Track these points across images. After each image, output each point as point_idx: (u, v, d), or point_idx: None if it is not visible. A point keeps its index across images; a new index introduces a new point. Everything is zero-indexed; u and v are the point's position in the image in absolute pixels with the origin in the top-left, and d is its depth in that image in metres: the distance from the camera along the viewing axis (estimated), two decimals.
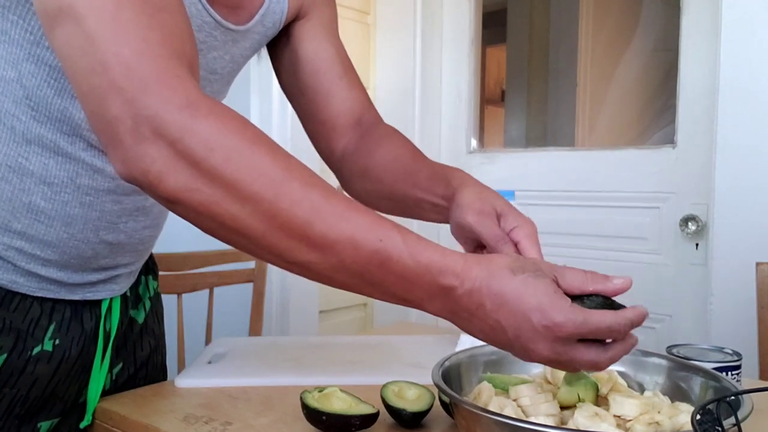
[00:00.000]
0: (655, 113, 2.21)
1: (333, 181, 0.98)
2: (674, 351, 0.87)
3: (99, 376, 0.84)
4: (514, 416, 0.60)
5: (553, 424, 0.61)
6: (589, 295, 0.58)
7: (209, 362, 0.98)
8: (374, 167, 0.88)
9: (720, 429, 0.52)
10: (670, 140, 1.85)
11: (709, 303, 1.65)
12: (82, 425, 0.83)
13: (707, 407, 0.55)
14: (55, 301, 0.79)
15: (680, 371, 0.74)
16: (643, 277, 1.85)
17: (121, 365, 0.89)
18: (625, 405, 0.62)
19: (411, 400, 0.75)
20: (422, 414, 0.73)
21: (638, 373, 0.76)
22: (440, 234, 2.18)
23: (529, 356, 0.57)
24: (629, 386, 0.73)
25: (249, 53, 0.85)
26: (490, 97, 3.17)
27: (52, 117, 0.69)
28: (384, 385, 0.76)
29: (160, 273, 1.03)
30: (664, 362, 0.76)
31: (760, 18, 1.55)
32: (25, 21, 0.65)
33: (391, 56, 2.33)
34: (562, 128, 2.76)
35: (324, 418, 0.70)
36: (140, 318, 0.93)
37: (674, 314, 1.82)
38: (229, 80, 0.86)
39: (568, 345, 0.55)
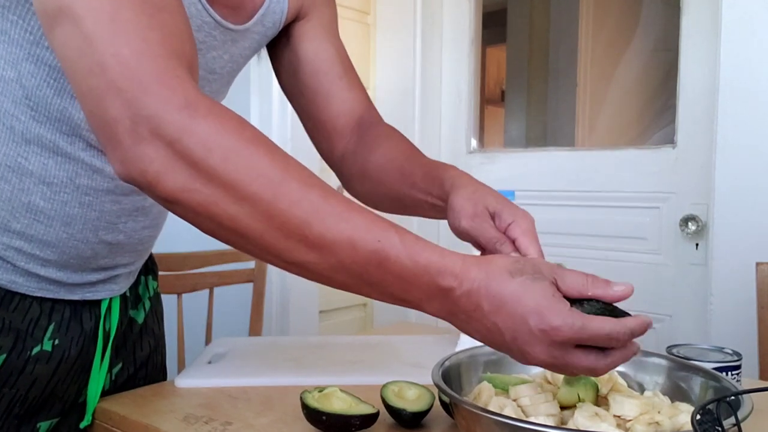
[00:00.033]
0: (655, 113, 2.21)
1: (334, 180, 0.98)
2: (674, 351, 0.87)
3: (98, 376, 0.84)
4: (514, 416, 0.60)
5: (553, 424, 0.61)
6: (590, 300, 0.57)
7: (209, 362, 0.98)
8: (373, 168, 0.88)
9: (720, 429, 0.52)
10: (670, 140, 1.85)
11: (709, 303, 1.65)
12: (81, 425, 0.83)
13: (707, 407, 0.55)
14: (55, 301, 0.79)
15: (680, 371, 0.74)
16: (643, 277, 1.85)
17: (120, 365, 0.89)
18: (625, 405, 0.62)
19: (411, 400, 0.75)
20: (422, 414, 0.73)
21: (638, 373, 0.76)
22: (440, 234, 2.18)
23: (526, 359, 0.57)
24: (629, 386, 0.73)
25: (249, 53, 0.85)
26: (490, 97, 3.17)
27: (52, 117, 0.69)
28: (384, 385, 0.76)
29: (160, 273, 1.03)
30: (664, 362, 0.76)
31: (760, 18, 1.55)
32: (25, 21, 0.65)
33: (391, 56, 2.33)
34: (562, 128, 2.76)
35: (324, 418, 0.70)
36: (140, 318, 0.93)
37: (674, 314, 1.82)
38: (229, 80, 0.86)
39: (565, 349, 0.55)
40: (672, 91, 1.83)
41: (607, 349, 0.56)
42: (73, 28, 0.54)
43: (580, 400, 0.65)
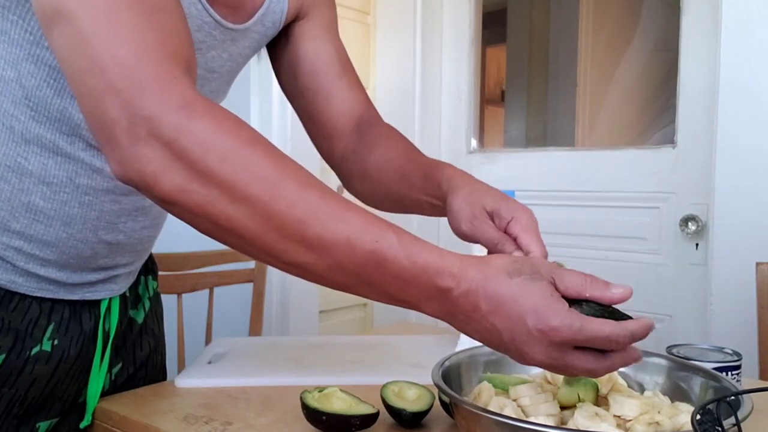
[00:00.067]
0: (655, 113, 2.21)
1: (334, 180, 0.98)
2: (674, 351, 0.87)
3: (98, 376, 0.84)
4: (514, 416, 0.60)
5: (553, 424, 0.61)
6: (590, 301, 0.57)
7: (209, 362, 0.98)
8: (372, 168, 0.88)
9: (720, 429, 0.52)
10: (670, 140, 1.85)
11: (709, 303, 1.65)
12: (81, 425, 0.83)
13: (707, 407, 0.55)
14: (54, 301, 0.79)
15: (680, 371, 0.74)
16: (643, 277, 1.85)
17: (120, 365, 0.89)
18: (625, 405, 0.62)
19: (411, 400, 0.75)
20: (422, 414, 0.73)
21: (638, 373, 0.76)
22: (440, 234, 2.19)
23: (525, 359, 0.57)
24: (629, 386, 0.73)
25: (249, 53, 0.85)
26: (490, 97, 3.17)
27: (51, 117, 0.69)
28: (384, 385, 0.76)
29: (160, 273, 1.03)
30: (664, 362, 0.76)
31: (760, 18, 1.55)
32: (25, 21, 0.65)
33: (391, 56, 2.33)
34: (562, 128, 2.76)
35: (324, 418, 0.70)
36: (139, 318, 0.93)
37: (674, 314, 1.82)
38: (229, 80, 0.86)
39: (564, 350, 0.55)
40: (672, 91, 1.83)
41: (606, 351, 0.56)
42: (71, 29, 0.54)
43: (580, 400, 0.65)
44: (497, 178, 2.13)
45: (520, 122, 2.99)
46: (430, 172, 0.81)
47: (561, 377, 0.68)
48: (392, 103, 2.30)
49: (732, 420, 0.55)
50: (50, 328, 0.78)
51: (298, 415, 0.74)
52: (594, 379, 0.67)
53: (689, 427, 0.54)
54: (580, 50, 2.48)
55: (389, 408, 0.73)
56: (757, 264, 1.36)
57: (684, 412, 0.63)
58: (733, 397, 0.58)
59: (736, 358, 0.85)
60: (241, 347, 1.06)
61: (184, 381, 0.89)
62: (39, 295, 0.77)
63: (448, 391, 0.62)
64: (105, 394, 0.85)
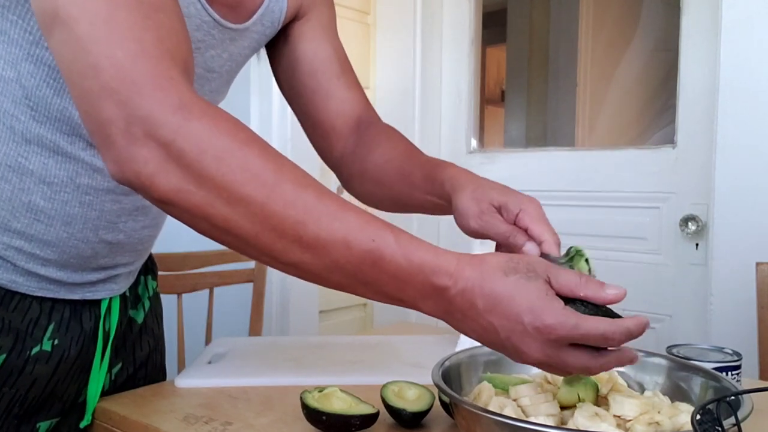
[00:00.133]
0: (655, 113, 2.21)
1: (335, 181, 0.98)
2: (674, 351, 0.87)
3: (98, 376, 0.84)
4: (514, 416, 0.60)
5: (553, 424, 0.61)
6: (585, 301, 0.57)
7: (209, 362, 0.98)
8: (372, 168, 0.88)
9: (720, 429, 0.52)
10: (670, 140, 1.85)
11: (709, 303, 1.65)
12: (81, 425, 0.83)
13: (707, 407, 0.55)
14: (55, 301, 0.79)
15: (680, 371, 0.74)
16: (643, 277, 1.85)
17: (120, 365, 0.89)
18: (625, 405, 0.62)
19: (411, 400, 0.75)
20: (422, 414, 0.73)
21: (638, 373, 0.76)
22: (440, 233, 2.19)
23: (521, 358, 0.57)
24: (629, 386, 0.73)
25: (248, 52, 0.85)
26: (490, 97, 3.17)
27: (52, 117, 0.69)
28: (384, 385, 0.76)
29: (160, 273, 1.03)
30: (664, 362, 0.76)
31: (760, 18, 1.55)
32: (25, 21, 0.65)
33: (391, 56, 2.33)
34: (562, 128, 2.76)
35: (324, 418, 0.70)
36: (139, 318, 0.93)
37: (674, 314, 1.82)
38: (228, 79, 0.86)
39: (560, 348, 0.55)
40: (672, 91, 1.83)
41: (602, 348, 0.56)
42: (69, 31, 0.54)
43: (580, 400, 0.65)
44: (497, 178, 2.10)
45: (520, 122, 2.99)
46: (432, 171, 0.81)
47: (561, 377, 0.68)
48: (392, 103, 2.30)
49: (732, 420, 0.55)
50: (50, 327, 0.78)
51: (298, 415, 0.74)
52: (594, 379, 0.67)
53: (689, 427, 0.54)
54: (580, 50, 2.48)
55: (389, 408, 0.73)
56: (757, 264, 1.36)
57: (684, 412, 0.63)
58: (733, 397, 0.58)
59: (736, 358, 0.85)
60: (241, 347, 1.06)
61: (184, 381, 0.89)
62: (39, 294, 0.77)
63: (448, 391, 0.62)
64: (105, 394, 0.85)
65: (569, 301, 0.56)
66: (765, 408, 0.76)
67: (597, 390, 0.67)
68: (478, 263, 0.56)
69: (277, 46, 0.91)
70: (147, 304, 0.95)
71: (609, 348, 0.57)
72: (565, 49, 2.68)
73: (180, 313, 1.47)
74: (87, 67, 0.53)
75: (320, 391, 0.73)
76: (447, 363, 0.71)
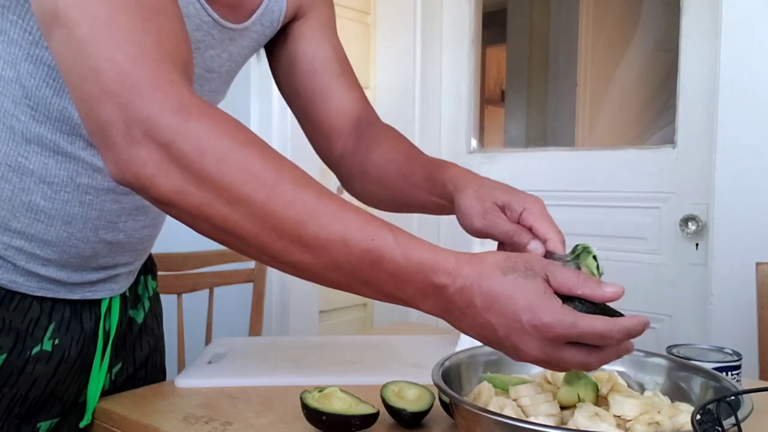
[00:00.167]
0: (655, 113, 2.21)
1: (335, 181, 0.98)
2: (674, 351, 0.87)
3: (98, 376, 0.84)
4: (514, 416, 0.60)
5: (553, 424, 0.61)
6: (583, 299, 0.57)
7: (209, 362, 0.98)
8: (372, 168, 0.87)
9: (720, 429, 0.52)
10: (670, 140, 1.85)
11: (709, 303, 1.65)
12: (81, 425, 0.83)
13: (707, 407, 0.55)
14: (55, 301, 0.79)
15: (680, 371, 0.74)
16: (643, 277, 1.85)
17: (120, 365, 0.89)
18: (625, 405, 0.62)
19: (411, 400, 0.75)
20: (422, 414, 0.73)
21: (638, 373, 0.76)
22: (440, 233, 2.19)
23: (519, 355, 0.57)
24: (629, 386, 0.73)
25: (247, 52, 0.85)
26: (490, 97, 3.17)
27: (52, 116, 0.69)
28: (384, 385, 0.76)
29: (160, 273, 1.03)
30: (664, 362, 0.76)
31: (760, 18, 1.55)
32: (24, 21, 0.65)
33: (391, 56, 2.33)
34: (562, 128, 2.76)
35: (324, 418, 0.70)
36: (139, 318, 0.93)
37: (674, 314, 1.82)
38: (228, 79, 0.86)
39: (557, 346, 0.55)
40: (672, 91, 1.83)
41: (599, 346, 0.56)
42: (69, 33, 0.54)
43: (580, 400, 0.65)
44: (497, 178, 2.10)
45: (520, 122, 2.99)
46: (433, 171, 0.81)
47: (561, 377, 0.68)
48: (392, 103, 2.30)
49: (732, 420, 0.55)
50: (51, 327, 0.78)
51: (298, 415, 0.74)
52: (594, 379, 0.67)
53: (689, 427, 0.54)
54: (580, 50, 2.48)
55: (389, 408, 0.73)
56: (757, 264, 1.36)
57: (684, 412, 0.63)
58: (733, 397, 0.58)
59: (736, 358, 0.85)
60: (241, 347, 1.06)
61: (184, 381, 0.89)
62: (40, 294, 0.77)
63: (448, 391, 0.62)
64: (105, 394, 0.85)
65: (568, 299, 0.57)
66: (765, 408, 0.76)
67: (597, 390, 0.67)
68: (476, 262, 0.57)
69: (277, 46, 0.91)
70: (147, 304, 0.95)
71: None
72: (565, 49, 2.68)
73: (180, 313, 1.47)
74: (87, 69, 0.53)
75: (320, 391, 0.73)
76: (447, 363, 0.71)
